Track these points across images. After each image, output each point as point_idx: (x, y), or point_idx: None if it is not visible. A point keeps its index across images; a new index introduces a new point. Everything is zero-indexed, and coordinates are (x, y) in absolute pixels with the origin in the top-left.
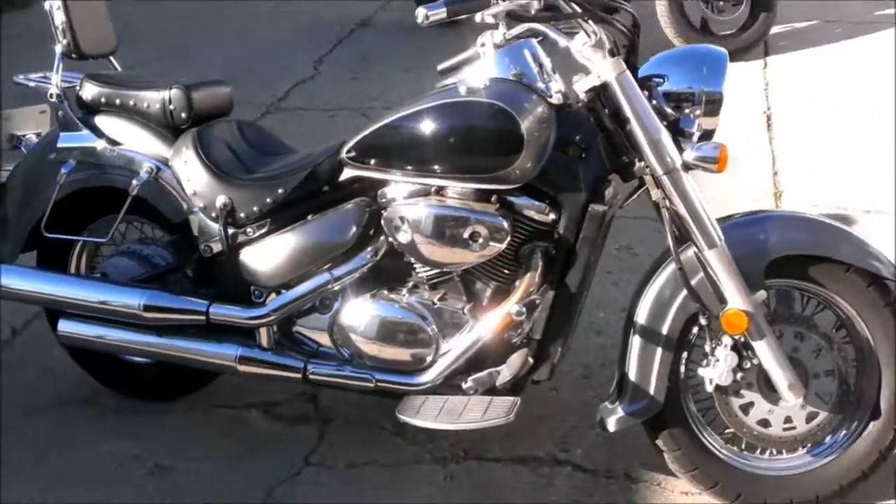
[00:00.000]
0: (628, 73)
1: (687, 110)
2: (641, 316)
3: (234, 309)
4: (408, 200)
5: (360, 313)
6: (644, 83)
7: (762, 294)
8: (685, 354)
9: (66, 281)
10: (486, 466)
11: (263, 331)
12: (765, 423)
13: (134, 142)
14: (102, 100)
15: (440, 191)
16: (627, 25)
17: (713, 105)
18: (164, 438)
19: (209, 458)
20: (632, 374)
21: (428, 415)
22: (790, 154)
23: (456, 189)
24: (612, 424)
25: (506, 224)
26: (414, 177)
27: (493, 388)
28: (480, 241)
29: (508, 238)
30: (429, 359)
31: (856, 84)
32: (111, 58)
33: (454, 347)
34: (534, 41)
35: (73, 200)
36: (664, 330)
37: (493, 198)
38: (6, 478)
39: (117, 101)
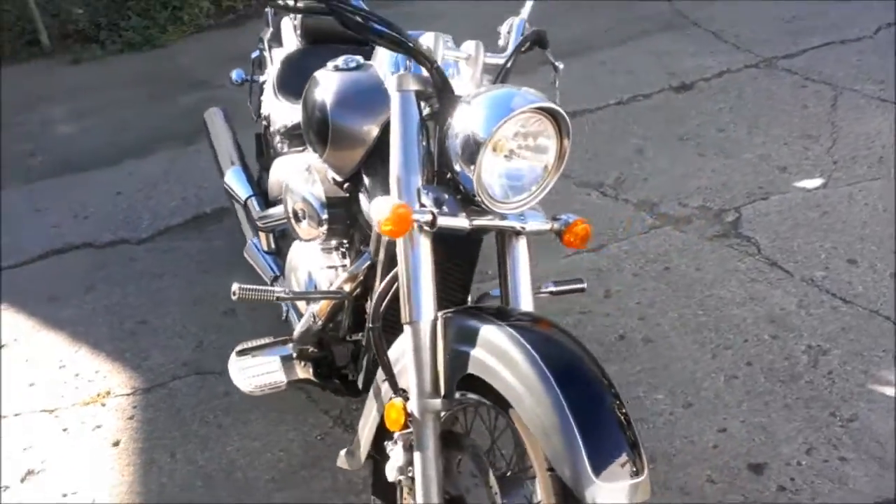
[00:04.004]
0: (412, 95)
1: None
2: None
3: (256, 207)
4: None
5: (295, 247)
6: None
7: (436, 403)
8: None
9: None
10: None
11: (262, 234)
12: None
13: None
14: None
15: None
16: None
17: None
18: None
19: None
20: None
21: (241, 363)
22: None
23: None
24: (339, 459)
25: (323, 214)
26: None
27: (329, 376)
28: (303, 220)
29: (325, 228)
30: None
31: None
32: None
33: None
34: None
35: None
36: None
37: (345, 186)
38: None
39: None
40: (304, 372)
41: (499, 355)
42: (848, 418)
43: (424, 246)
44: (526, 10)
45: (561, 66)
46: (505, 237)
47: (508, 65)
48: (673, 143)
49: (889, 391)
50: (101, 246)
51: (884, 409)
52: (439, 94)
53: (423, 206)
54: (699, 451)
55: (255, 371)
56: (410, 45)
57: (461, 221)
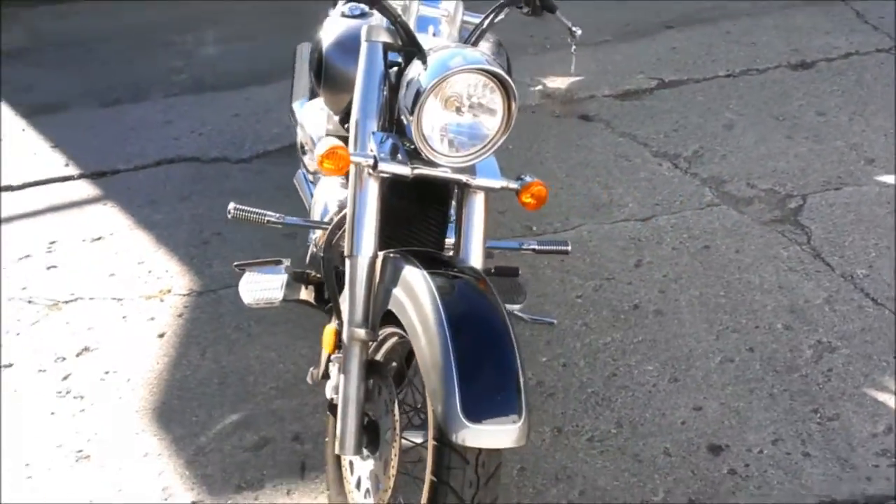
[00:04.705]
0: (379, 45)
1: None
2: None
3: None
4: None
5: (323, 179)
6: None
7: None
8: None
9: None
10: None
11: (309, 163)
12: (351, 465)
13: None
14: None
15: None
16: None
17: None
18: None
19: None
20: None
21: (252, 276)
22: None
23: None
24: (308, 374)
25: (322, 147)
26: None
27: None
28: (307, 153)
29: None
30: None
31: None
32: None
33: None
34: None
35: None
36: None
37: (345, 126)
38: None
39: None
40: (306, 294)
41: (411, 295)
42: (829, 417)
43: (371, 188)
44: None
45: (578, 31)
46: (464, 192)
47: (484, 25)
48: (767, 121)
49: (882, 397)
50: (206, 161)
51: (869, 414)
52: (405, 47)
53: (372, 150)
54: (667, 425)
55: (261, 286)
56: None
57: (403, 169)
